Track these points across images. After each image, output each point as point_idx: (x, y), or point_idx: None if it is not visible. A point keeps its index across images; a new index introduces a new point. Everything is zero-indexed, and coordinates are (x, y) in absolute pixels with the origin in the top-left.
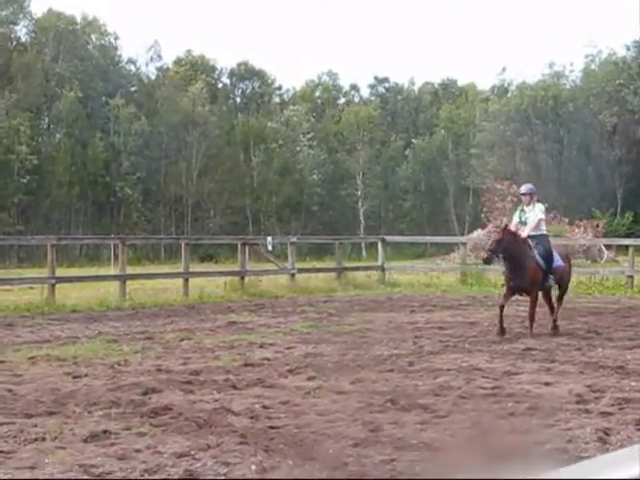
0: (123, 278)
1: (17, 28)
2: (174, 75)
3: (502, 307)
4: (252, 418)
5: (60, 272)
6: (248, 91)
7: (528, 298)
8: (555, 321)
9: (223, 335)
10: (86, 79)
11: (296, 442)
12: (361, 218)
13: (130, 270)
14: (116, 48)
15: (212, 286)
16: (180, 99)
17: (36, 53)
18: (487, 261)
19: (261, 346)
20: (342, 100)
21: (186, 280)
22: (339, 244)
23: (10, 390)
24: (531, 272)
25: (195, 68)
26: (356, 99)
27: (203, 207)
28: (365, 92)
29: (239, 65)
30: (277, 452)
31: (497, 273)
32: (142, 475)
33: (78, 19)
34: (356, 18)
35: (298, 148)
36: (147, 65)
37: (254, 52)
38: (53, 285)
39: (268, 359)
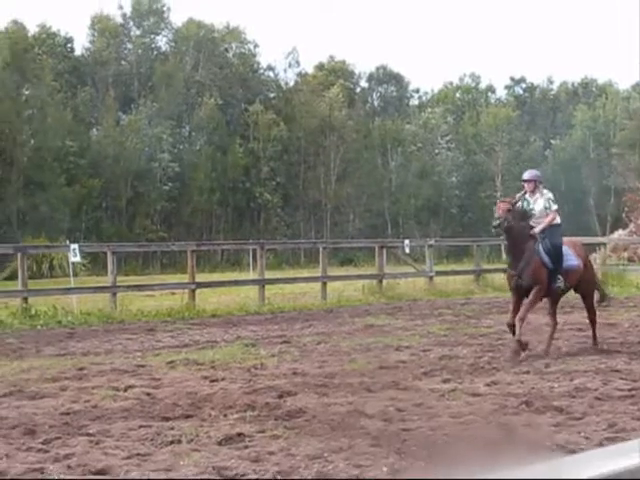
0: (262, 283)
1: (158, 38)
2: (312, 80)
3: (510, 325)
4: (385, 420)
5: (200, 277)
6: (386, 94)
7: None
8: (595, 339)
9: (360, 338)
10: (226, 86)
11: (429, 444)
12: None
13: (269, 275)
14: (255, 55)
15: (350, 289)
16: (318, 104)
17: (177, 62)
18: (499, 227)
19: (397, 349)
20: (480, 101)
21: (324, 284)
22: (477, 246)
23: (149, 394)
24: (533, 268)
25: (334, 73)
26: (492, 100)
27: (342, 211)
28: (501, 93)
29: (377, 69)
30: (409, 454)
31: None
32: (275, 477)
33: (218, 27)
34: (491, 19)
35: (436, 150)
36: (285, 71)
37: (392, 56)
38: (193, 290)
39: (403, 361)
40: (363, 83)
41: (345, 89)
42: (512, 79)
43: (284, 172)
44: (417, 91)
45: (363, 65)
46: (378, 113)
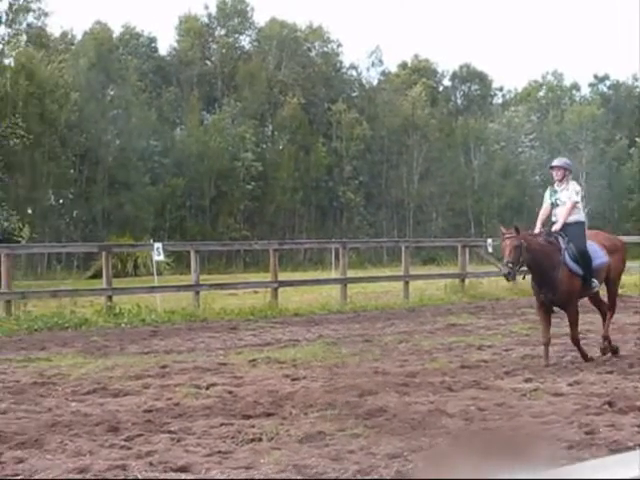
0: (344, 282)
1: (242, 38)
2: (395, 79)
3: (546, 343)
4: (466, 420)
5: (283, 276)
6: (469, 93)
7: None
8: (607, 338)
9: (441, 337)
10: (308, 86)
11: (510, 444)
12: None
13: (351, 274)
14: (337, 54)
15: (432, 289)
16: (400, 103)
17: (260, 61)
18: (509, 277)
19: (479, 348)
20: (564, 100)
21: (406, 283)
22: None
23: (230, 392)
24: (564, 283)
25: (417, 72)
26: (576, 98)
27: (424, 210)
28: (585, 91)
29: (461, 67)
30: (490, 454)
31: None
32: (354, 476)
33: (300, 27)
34: (574, 17)
35: (520, 149)
36: (368, 70)
37: (476, 54)
38: (276, 289)
39: (485, 361)
40: (446, 82)
41: (428, 88)
42: (596, 77)
43: (367, 171)
44: (500, 89)
45: (446, 63)
46: (461, 112)
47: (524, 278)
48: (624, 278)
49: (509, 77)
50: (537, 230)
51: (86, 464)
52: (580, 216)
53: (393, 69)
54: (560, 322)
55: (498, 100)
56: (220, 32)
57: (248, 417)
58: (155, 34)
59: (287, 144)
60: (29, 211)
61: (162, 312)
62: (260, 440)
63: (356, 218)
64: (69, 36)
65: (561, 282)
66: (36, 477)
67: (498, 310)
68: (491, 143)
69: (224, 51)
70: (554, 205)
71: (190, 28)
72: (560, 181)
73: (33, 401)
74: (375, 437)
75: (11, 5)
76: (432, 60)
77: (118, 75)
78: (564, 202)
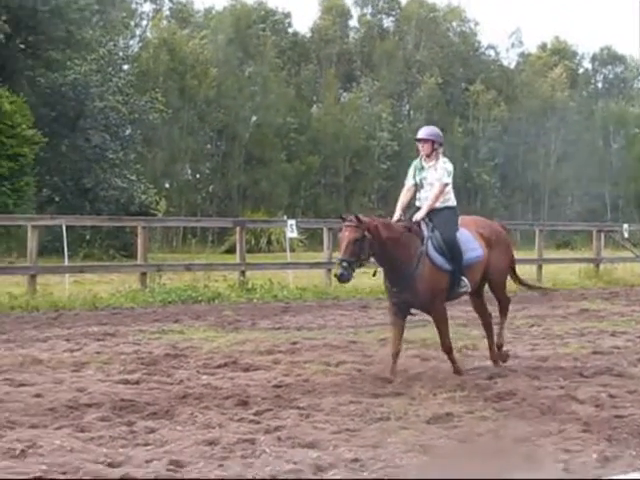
0: None
1: (381, 17)
2: (535, 61)
3: (395, 353)
4: (597, 407)
5: None
6: (610, 76)
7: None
8: (499, 347)
9: (573, 322)
10: (446, 65)
11: None
12: None
13: None
14: (476, 34)
15: (566, 273)
16: (540, 85)
17: (398, 41)
18: (343, 279)
19: (612, 334)
20: None
21: (539, 267)
22: None
23: (359, 370)
24: (425, 281)
25: (557, 54)
26: None
27: (560, 193)
28: None
29: (602, 50)
30: (620, 442)
31: None
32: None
33: (439, 6)
34: None
35: None
36: (507, 51)
37: (617, 37)
38: None
39: (618, 347)
40: (586, 64)
41: (568, 70)
42: None
43: (503, 153)
44: None
45: (586, 46)
46: (601, 95)
47: (375, 275)
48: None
49: None
50: (396, 217)
51: (215, 437)
52: (451, 201)
53: (533, 50)
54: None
55: (639, 84)
56: (361, 11)
57: (376, 396)
58: (290, 10)
59: (423, 124)
60: (166, 185)
61: (294, 289)
62: (388, 419)
63: (491, 200)
64: (213, 12)
65: (421, 279)
66: (166, 447)
67: (633, 297)
68: (631, 127)
69: (364, 30)
70: (419, 186)
71: (331, 7)
72: (428, 157)
73: (165, 373)
74: (503, 420)
75: None
76: (572, 42)
77: (256, 51)
78: (431, 184)
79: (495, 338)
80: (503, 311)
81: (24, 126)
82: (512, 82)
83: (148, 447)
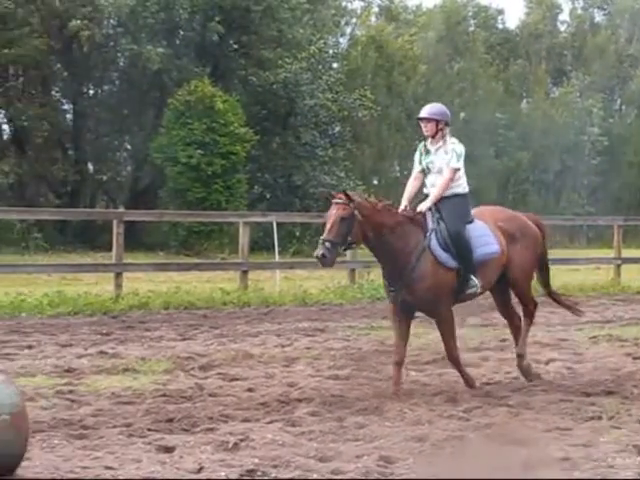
0: None
1: (593, 11)
2: None
3: (398, 362)
4: None
5: (627, 253)
6: None
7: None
8: (520, 356)
9: None
10: None
11: None
12: None
13: None
14: None
15: None
16: None
17: (610, 34)
18: (325, 262)
19: None
20: None
21: (618, 267)
22: None
23: (569, 368)
24: (426, 278)
25: None
26: None
27: None
28: None
29: None
30: None
31: None
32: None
33: None
34: None
35: None
36: None
37: None
38: (619, 266)
39: None
40: None
41: None
42: None
43: None
44: None
45: None
46: None
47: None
48: None
49: None
50: (402, 208)
51: (424, 433)
52: (461, 187)
53: None
54: None
55: None
56: (571, 5)
57: (587, 394)
58: (503, 7)
59: (635, 119)
60: (374, 182)
61: None
62: (600, 418)
63: None
64: (423, 9)
65: (421, 277)
66: (375, 443)
67: None
68: None
69: (575, 24)
70: (426, 172)
71: (541, 1)
72: (433, 138)
73: (374, 368)
74: None
75: None
76: None
77: (465, 48)
78: (440, 169)
79: (518, 346)
80: (528, 316)
81: (236, 124)
82: None
83: (358, 442)
